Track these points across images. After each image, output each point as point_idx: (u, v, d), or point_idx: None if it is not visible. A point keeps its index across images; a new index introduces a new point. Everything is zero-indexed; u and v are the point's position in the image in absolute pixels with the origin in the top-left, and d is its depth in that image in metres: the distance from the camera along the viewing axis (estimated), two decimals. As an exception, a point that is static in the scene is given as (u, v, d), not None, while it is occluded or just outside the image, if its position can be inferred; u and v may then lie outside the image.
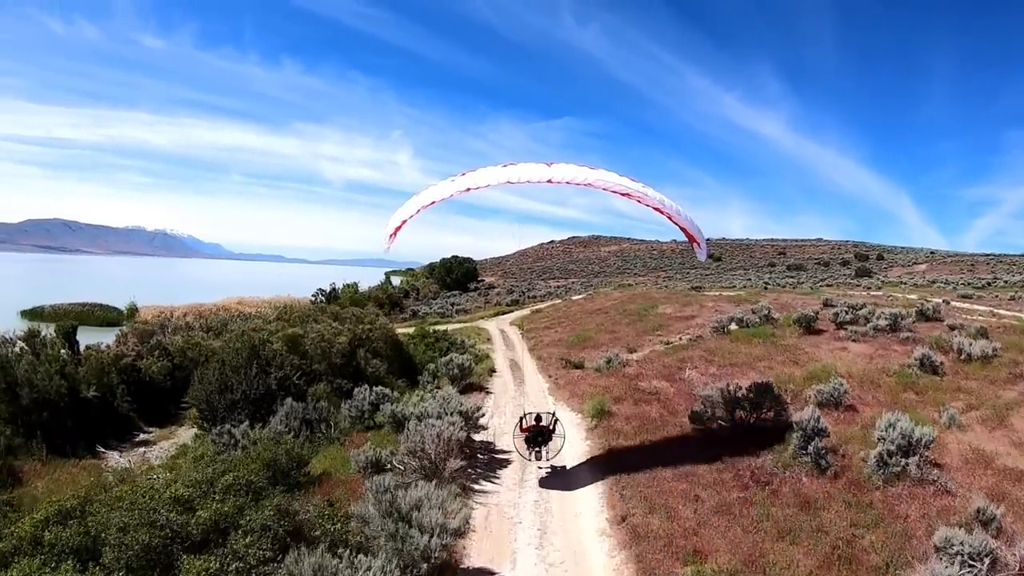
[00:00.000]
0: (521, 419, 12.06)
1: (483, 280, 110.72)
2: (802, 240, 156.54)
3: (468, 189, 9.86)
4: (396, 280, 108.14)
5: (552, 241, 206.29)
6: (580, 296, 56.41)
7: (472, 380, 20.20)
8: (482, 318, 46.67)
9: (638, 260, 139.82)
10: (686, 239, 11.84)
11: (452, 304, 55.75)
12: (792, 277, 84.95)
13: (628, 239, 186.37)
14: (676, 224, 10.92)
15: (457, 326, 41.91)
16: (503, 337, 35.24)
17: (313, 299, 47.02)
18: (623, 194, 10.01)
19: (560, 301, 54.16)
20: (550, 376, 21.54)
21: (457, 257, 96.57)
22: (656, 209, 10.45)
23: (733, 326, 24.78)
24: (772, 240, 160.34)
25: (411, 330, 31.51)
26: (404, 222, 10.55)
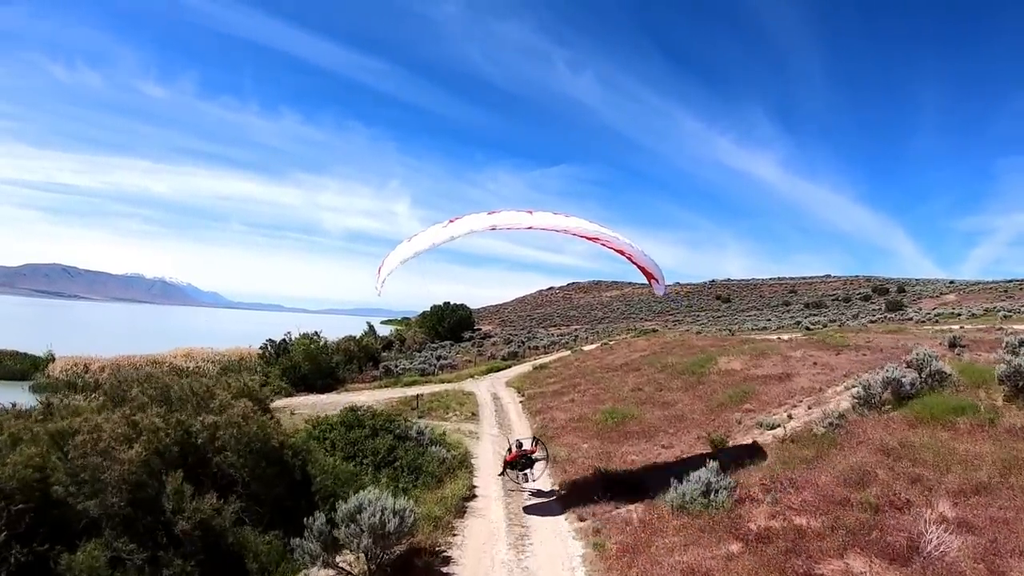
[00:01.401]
0: (509, 449, 12.90)
1: (479, 329, 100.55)
2: (810, 277, 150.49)
3: (454, 237, 9.92)
4: (386, 330, 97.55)
5: (551, 288, 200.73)
6: (594, 346, 45.61)
7: (419, 539, 9.22)
8: (472, 376, 35.79)
9: (642, 304, 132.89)
10: (646, 280, 12.16)
11: (438, 358, 44.85)
12: (816, 315, 75.98)
13: (630, 284, 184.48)
14: (636, 264, 11.42)
15: (438, 388, 31.13)
16: (496, 408, 24.41)
17: (261, 351, 36.05)
18: (592, 239, 10.53)
19: (569, 353, 43.28)
20: (586, 530, 10.37)
21: (449, 304, 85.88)
22: (619, 251, 10.97)
23: (888, 393, 13.92)
24: (779, 279, 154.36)
25: (359, 400, 20.80)
26: (391, 272, 10.61)
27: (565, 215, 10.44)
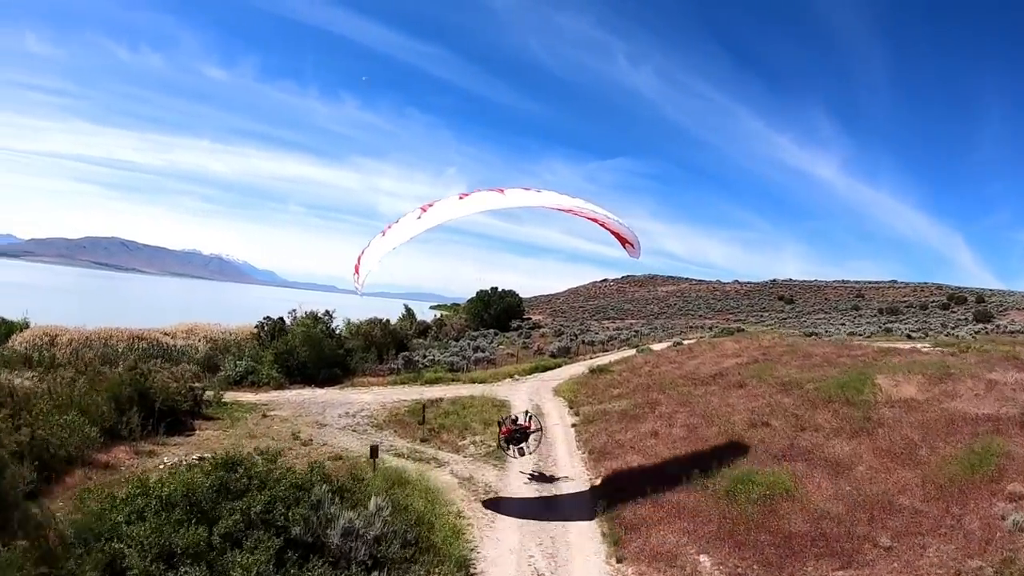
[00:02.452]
0: (501, 422, 13.33)
1: (528, 318, 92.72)
2: (876, 282, 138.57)
3: (428, 228, 9.70)
4: (433, 315, 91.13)
5: (605, 280, 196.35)
6: (664, 345, 37.03)
7: None
8: (512, 376, 28.05)
9: (700, 301, 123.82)
10: (620, 244, 11.85)
11: (475, 349, 37.25)
12: (895, 322, 66.78)
13: (686, 279, 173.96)
14: (610, 231, 11.22)
15: (464, 391, 23.63)
16: (538, 429, 16.57)
17: (256, 331, 29.18)
18: (568, 210, 10.30)
19: (635, 352, 34.77)
20: None
21: (497, 289, 78.27)
22: (593, 220, 10.71)
23: None
24: (843, 281, 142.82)
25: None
26: (370, 272, 10.60)
27: (537, 190, 10.26)
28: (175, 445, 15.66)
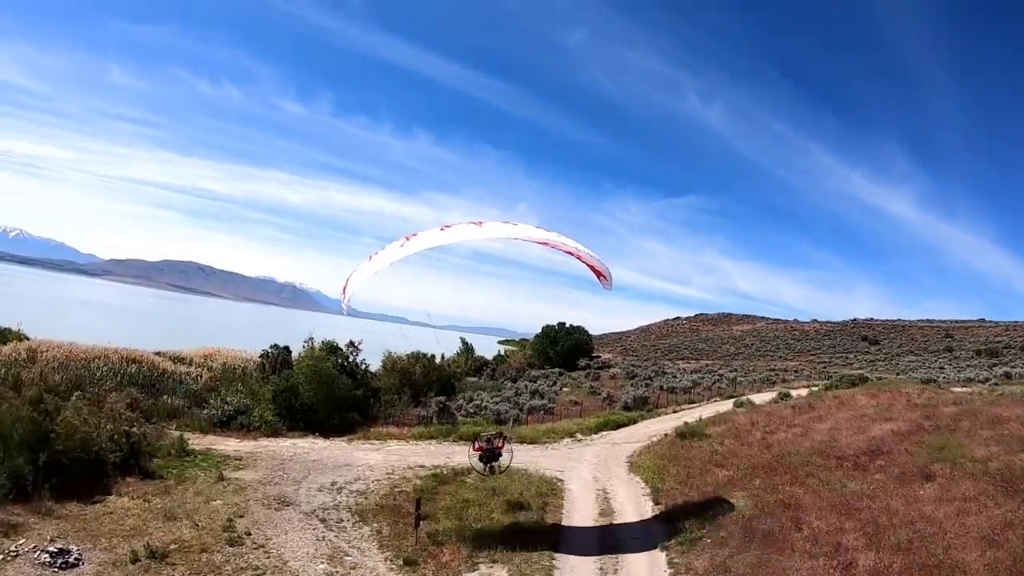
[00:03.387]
0: (474, 440, 13.55)
1: (597, 356, 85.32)
2: (963, 321, 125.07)
3: (409, 255, 10.09)
4: (499, 350, 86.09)
5: (678, 318, 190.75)
6: (767, 396, 28.99)
7: None
8: (572, 434, 21.43)
9: (779, 341, 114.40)
10: (595, 277, 12.12)
11: (532, 393, 30.78)
12: (998, 364, 56.92)
13: (762, 318, 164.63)
14: (585, 263, 11.36)
15: (504, 459, 17.05)
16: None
17: (262, 359, 23.79)
18: (542, 243, 10.50)
19: (732, 406, 27.09)
20: None
21: (564, 325, 71.61)
22: (569, 253, 10.94)
23: None
24: (928, 321, 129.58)
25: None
26: (354, 292, 11.17)
27: (513, 223, 10.35)
28: (38, 523, 10.27)
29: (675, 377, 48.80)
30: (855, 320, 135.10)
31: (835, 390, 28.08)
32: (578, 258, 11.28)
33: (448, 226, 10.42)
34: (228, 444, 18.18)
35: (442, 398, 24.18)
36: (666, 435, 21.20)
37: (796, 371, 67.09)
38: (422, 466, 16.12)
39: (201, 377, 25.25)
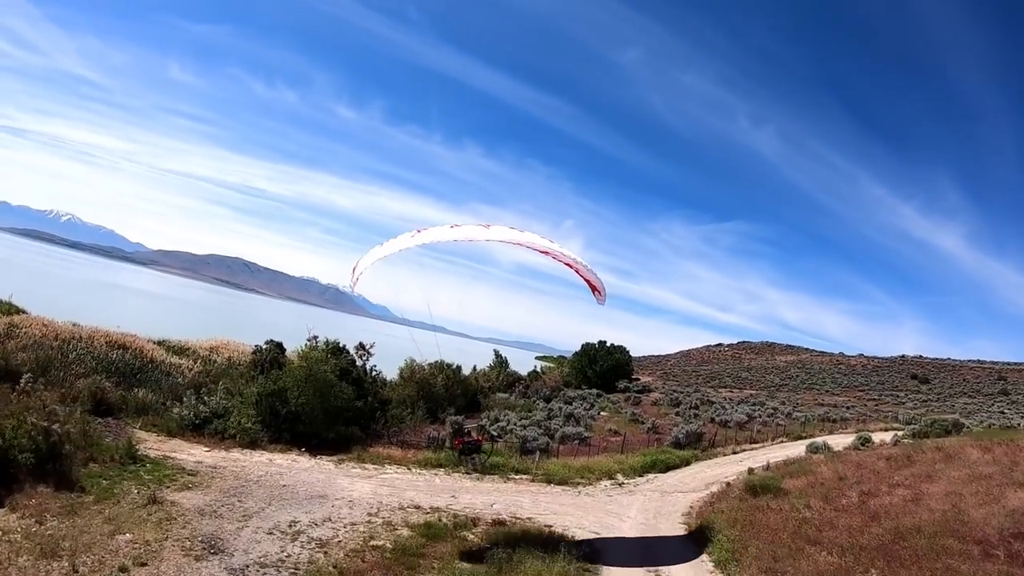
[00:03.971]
0: (454, 433, 15.18)
1: (637, 379, 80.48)
2: (1017, 364, 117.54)
3: (421, 245, 10.28)
4: (536, 366, 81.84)
5: (720, 344, 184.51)
6: (843, 440, 23.97)
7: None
8: (612, 475, 17.37)
9: (824, 374, 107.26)
10: (590, 290, 12.10)
11: (567, 418, 26.82)
12: None
13: (806, 350, 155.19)
14: (582, 277, 11.44)
15: (525, 507, 13.32)
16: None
17: (255, 353, 20.41)
18: (543, 252, 10.71)
19: (802, 449, 22.37)
20: None
21: (605, 344, 67.17)
22: (568, 265, 11.09)
23: None
24: (979, 362, 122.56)
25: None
26: (363, 272, 10.97)
27: (519, 230, 10.57)
28: None
29: (724, 408, 43.89)
30: (903, 357, 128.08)
31: (931, 438, 23.14)
32: (576, 271, 11.31)
33: (457, 225, 10.60)
34: (192, 453, 14.84)
35: (458, 418, 20.29)
36: (728, 485, 16.95)
37: (847, 407, 61.59)
38: (417, 506, 12.34)
39: (191, 370, 22.18)
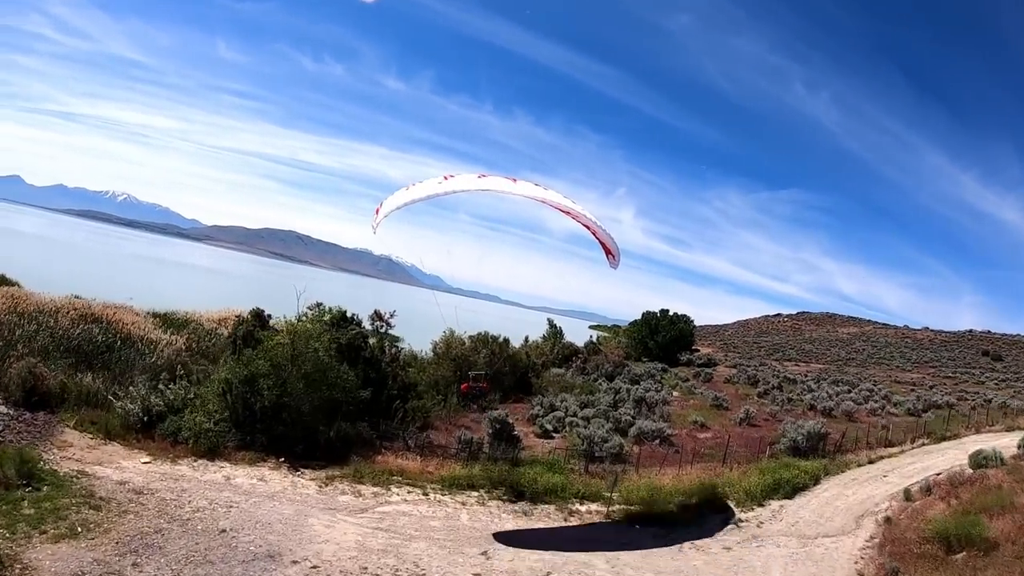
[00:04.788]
0: (463, 377, 14.25)
1: (696, 349, 74.14)
2: None
3: (449, 192, 10.08)
4: (589, 336, 76.46)
5: (779, 314, 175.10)
6: (1005, 438, 18.04)
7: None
8: (721, 504, 11.83)
9: (891, 348, 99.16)
10: (604, 253, 11.77)
11: (638, 405, 21.55)
12: None
13: (868, 321, 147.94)
14: (597, 239, 11.26)
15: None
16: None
17: (230, 335, 15.65)
18: (565, 211, 10.56)
19: (964, 462, 16.37)
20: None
21: (667, 312, 61.19)
22: (586, 226, 10.87)
23: None
24: None
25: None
26: (387, 215, 10.56)
27: (544, 187, 10.37)
28: None
29: (811, 389, 37.55)
30: (971, 332, 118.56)
31: None
32: (592, 232, 11.02)
33: (484, 175, 10.46)
34: (123, 466, 10.39)
35: (502, 412, 15.10)
36: (890, 522, 11.42)
37: (928, 386, 53.83)
38: (424, 581, 7.41)
39: (172, 346, 17.80)
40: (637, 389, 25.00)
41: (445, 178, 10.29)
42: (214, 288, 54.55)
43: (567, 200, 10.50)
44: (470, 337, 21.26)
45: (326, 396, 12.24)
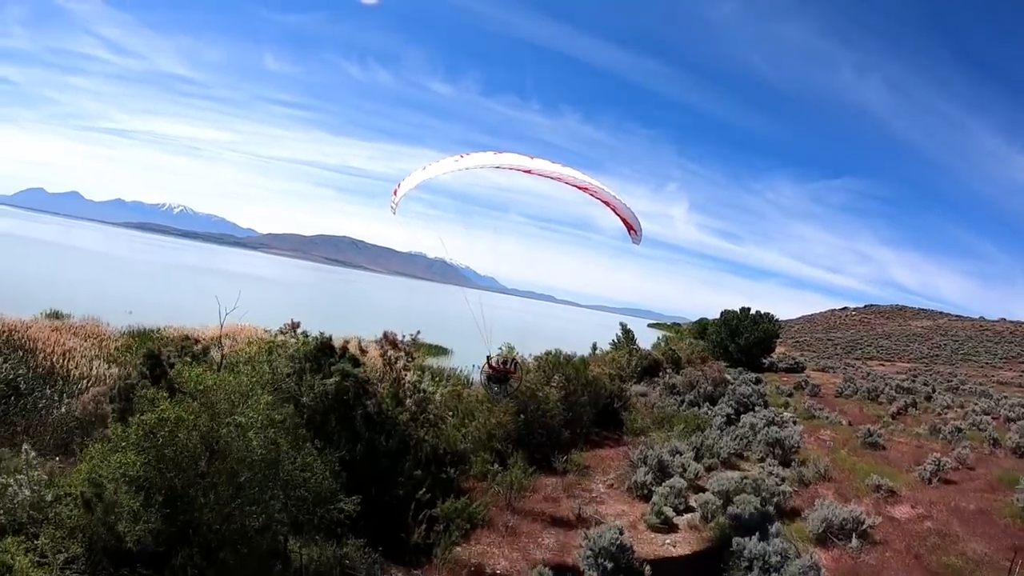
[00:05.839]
0: (488, 358, 12.06)
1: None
2: None
3: (465, 169, 9.90)
4: (651, 336, 70.49)
5: (845, 308, 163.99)
6: None
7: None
8: None
9: (974, 343, 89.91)
10: (626, 229, 11.21)
11: (773, 445, 14.81)
12: None
13: (942, 314, 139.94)
14: (619, 215, 10.75)
15: None
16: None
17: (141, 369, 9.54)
18: (582, 187, 10.26)
19: None
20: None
21: (748, 311, 53.47)
22: (605, 202, 10.51)
23: None
24: None
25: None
26: (406, 193, 10.41)
27: (561, 164, 9.94)
28: None
29: (948, 405, 29.57)
30: None
31: None
32: (613, 208, 10.59)
33: (501, 152, 10.04)
34: None
35: (609, 528, 8.55)
36: None
37: None
38: None
39: (107, 383, 12.10)
40: (758, 421, 18.03)
41: (460, 157, 10.02)
42: (250, 297, 50.34)
43: (584, 176, 10.10)
44: (536, 359, 14.87)
45: (273, 510, 6.07)
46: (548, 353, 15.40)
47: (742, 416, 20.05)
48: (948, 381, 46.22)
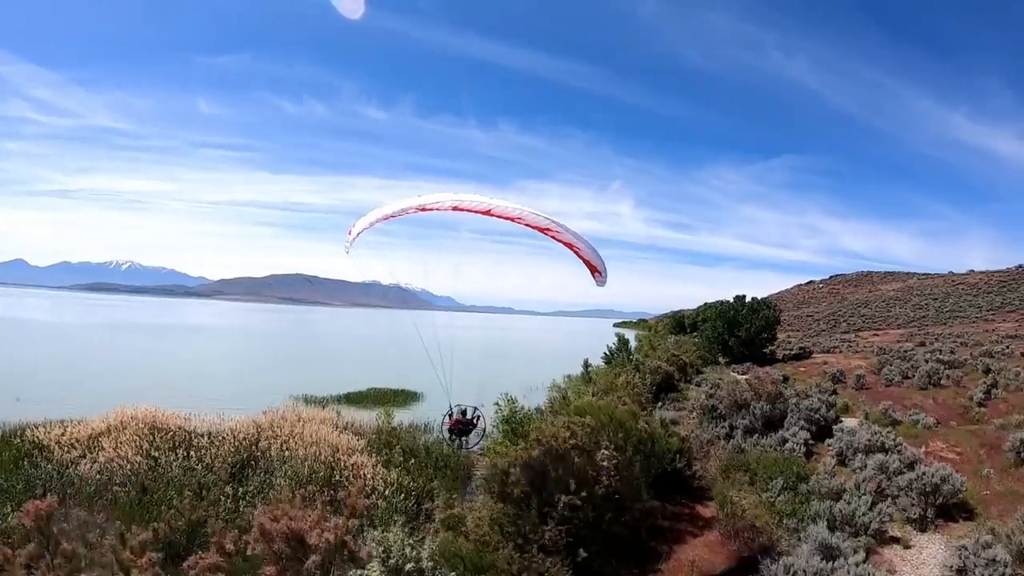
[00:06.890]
0: (449, 413, 12.52)
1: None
2: None
3: (423, 208, 9.79)
4: (622, 336, 65.64)
5: (811, 282, 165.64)
6: None
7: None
8: None
9: (957, 298, 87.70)
10: (590, 273, 10.82)
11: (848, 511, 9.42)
12: None
13: (909, 274, 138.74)
14: (581, 258, 10.54)
15: None
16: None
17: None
18: (544, 230, 10.07)
19: None
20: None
21: (744, 300, 48.94)
22: (568, 244, 10.30)
23: None
24: None
25: None
26: (360, 233, 10.45)
27: (518, 206, 9.87)
28: None
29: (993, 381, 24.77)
30: (1020, 267, 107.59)
31: None
32: (576, 251, 10.27)
33: (459, 194, 9.74)
34: None
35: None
36: None
37: None
38: None
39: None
40: (890, 461, 12.56)
41: (419, 196, 9.89)
42: (179, 360, 43.44)
43: (542, 218, 9.71)
44: (567, 425, 9.19)
45: None
46: (604, 418, 9.73)
47: (828, 442, 14.66)
48: (965, 344, 42.17)
